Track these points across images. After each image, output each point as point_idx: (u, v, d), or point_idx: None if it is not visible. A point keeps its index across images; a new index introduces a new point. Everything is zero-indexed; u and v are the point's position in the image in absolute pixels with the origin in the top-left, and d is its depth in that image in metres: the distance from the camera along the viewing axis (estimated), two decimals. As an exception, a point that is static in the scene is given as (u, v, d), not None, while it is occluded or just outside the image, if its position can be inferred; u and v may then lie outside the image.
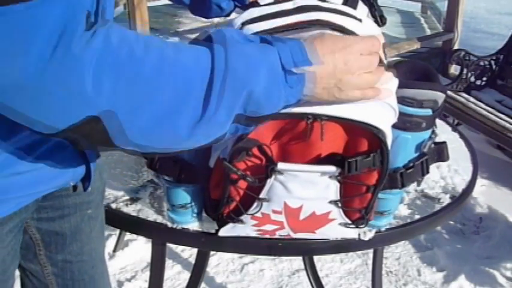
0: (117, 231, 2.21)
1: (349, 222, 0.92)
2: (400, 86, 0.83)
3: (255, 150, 0.83)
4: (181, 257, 2.20)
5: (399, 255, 2.31)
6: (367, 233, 0.99)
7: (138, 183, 1.17)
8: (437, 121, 1.55)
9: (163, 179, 0.99)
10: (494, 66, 3.36)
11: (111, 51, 0.55)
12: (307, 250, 1.07)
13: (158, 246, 1.26)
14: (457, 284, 2.12)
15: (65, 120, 0.56)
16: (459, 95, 3.29)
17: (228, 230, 0.95)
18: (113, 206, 1.08)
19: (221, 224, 0.95)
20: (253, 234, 0.95)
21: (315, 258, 1.86)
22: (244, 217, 0.91)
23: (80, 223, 0.92)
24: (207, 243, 1.02)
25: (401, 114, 0.86)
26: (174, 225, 1.01)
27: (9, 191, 0.72)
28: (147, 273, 1.38)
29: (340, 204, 0.88)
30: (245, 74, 0.61)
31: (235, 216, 0.91)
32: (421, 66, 0.96)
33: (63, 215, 0.88)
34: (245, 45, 0.65)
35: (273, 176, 0.84)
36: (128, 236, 2.22)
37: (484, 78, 3.39)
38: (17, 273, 0.89)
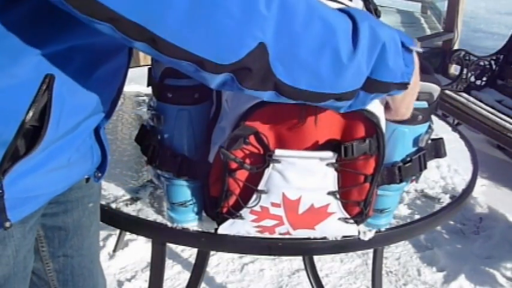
0: (117, 231, 2.21)
1: (348, 216, 0.92)
2: None
3: (252, 139, 0.84)
4: (181, 257, 2.20)
5: (399, 255, 2.31)
6: (367, 233, 0.99)
7: (138, 183, 1.17)
8: (438, 121, 1.57)
9: (163, 177, 0.99)
10: (494, 66, 3.36)
11: None
12: (307, 250, 1.07)
13: (158, 246, 1.26)
14: (457, 284, 2.12)
15: (241, 49, 0.57)
16: (459, 95, 3.29)
17: (227, 227, 0.95)
18: (113, 206, 1.08)
19: (220, 221, 0.95)
20: (253, 231, 0.95)
21: (315, 258, 1.86)
22: (243, 211, 0.91)
23: (81, 217, 0.92)
24: (207, 243, 1.02)
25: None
26: (174, 225, 1.01)
27: (41, 188, 0.73)
28: (147, 273, 1.38)
29: (338, 196, 0.89)
30: (379, 30, 0.66)
31: (234, 211, 0.91)
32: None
33: (66, 210, 0.89)
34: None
35: (271, 165, 0.85)
36: (128, 236, 2.22)
37: (484, 78, 3.39)
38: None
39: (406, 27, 5.66)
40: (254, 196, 0.89)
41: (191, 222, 1.01)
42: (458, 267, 2.21)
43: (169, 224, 1.01)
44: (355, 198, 0.91)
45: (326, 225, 0.93)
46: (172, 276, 2.09)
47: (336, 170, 0.87)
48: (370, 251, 1.68)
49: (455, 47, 4.45)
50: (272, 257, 2.18)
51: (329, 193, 0.89)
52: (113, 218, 1.07)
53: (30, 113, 0.63)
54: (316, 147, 0.86)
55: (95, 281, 1.02)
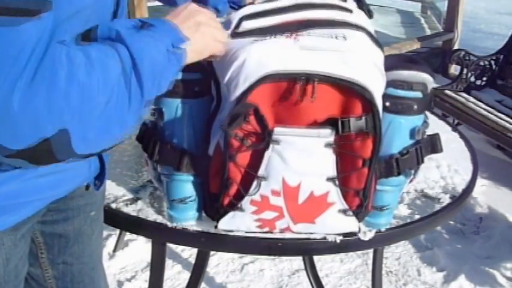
0: (117, 231, 2.21)
1: (348, 208, 0.93)
2: (389, 68, 0.91)
3: (252, 119, 0.86)
4: (181, 257, 2.20)
5: (399, 255, 2.30)
6: (367, 233, 0.99)
7: (138, 183, 1.17)
8: (438, 121, 1.57)
9: (163, 174, 0.99)
10: (494, 66, 3.36)
11: (76, 69, 0.59)
12: (307, 250, 1.07)
13: (158, 246, 1.26)
14: (457, 284, 2.12)
15: (35, 135, 0.58)
16: (459, 95, 3.29)
17: (227, 222, 0.95)
18: (113, 206, 1.07)
19: (220, 217, 0.95)
20: (253, 226, 0.95)
21: (315, 258, 1.86)
22: (244, 202, 0.91)
23: (83, 225, 0.92)
24: (207, 243, 1.02)
25: (393, 97, 0.93)
26: (174, 225, 1.01)
27: (31, 194, 0.73)
28: (147, 273, 1.38)
29: (337, 182, 0.90)
30: (157, 56, 0.68)
31: (235, 202, 0.92)
32: (407, 57, 1.02)
33: (67, 218, 0.89)
34: (141, 32, 0.70)
35: (271, 147, 0.86)
36: (128, 236, 2.22)
37: (484, 78, 3.39)
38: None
39: (406, 27, 5.66)
40: (254, 183, 0.90)
41: (190, 221, 1.01)
42: (458, 267, 2.21)
43: (169, 224, 1.01)
44: (354, 186, 0.91)
45: (326, 219, 0.93)
46: (172, 276, 2.09)
47: (334, 151, 0.88)
48: (370, 251, 1.68)
49: (455, 47, 4.45)
50: (272, 257, 2.17)
51: (328, 179, 0.89)
52: (113, 218, 1.07)
53: None
54: (315, 125, 0.88)
55: (97, 287, 1.01)
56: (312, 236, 0.97)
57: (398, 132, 0.96)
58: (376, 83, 0.86)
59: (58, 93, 0.56)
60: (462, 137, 1.49)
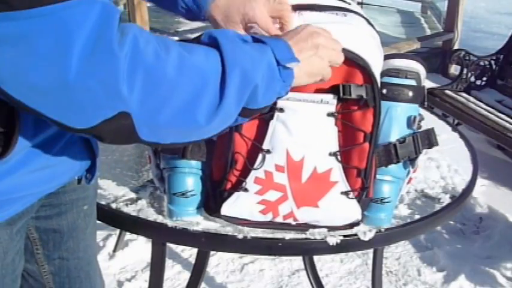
0: (117, 231, 2.21)
1: (350, 189, 0.95)
2: (385, 57, 0.99)
3: None
4: (181, 257, 2.20)
5: (399, 255, 2.31)
6: (367, 233, 0.99)
7: (138, 183, 1.17)
8: (438, 121, 1.57)
9: (166, 168, 0.99)
10: (494, 66, 3.36)
11: (141, 51, 0.58)
12: (307, 250, 1.07)
13: (158, 246, 1.26)
14: (457, 284, 2.12)
15: (97, 116, 0.58)
16: (459, 95, 3.29)
17: (230, 205, 0.95)
18: (113, 206, 1.08)
19: (223, 201, 0.95)
20: (256, 210, 0.95)
21: (315, 258, 1.86)
22: (248, 179, 0.93)
23: (76, 219, 0.92)
24: (207, 243, 1.02)
25: (389, 85, 1.01)
26: (174, 224, 1.01)
27: (23, 189, 0.73)
28: (147, 273, 1.38)
29: (339, 158, 0.93)
30: (251, 71, 0.68)
31: (240, 179, 0.93)
32: (403, 54, 1.08)
33: (61, 212, 0.89)
34: (245, 45, 0.71)
35: (275, 116, 0.90)
36: (128, 236, 2.22)
37: (484, 78, 3.39)
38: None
39: (406, 27, 5.67)
40: (259, 157, 0.92)
41: (190, 216, 1.01)
42: (458, 267, 2.21)
43: (169, 224, 1.01)
44: (356, 164, 0.94)
45: (329, 202, 0.95)
46: (172, 276, 2.09)
47: (336, 123, 0.92)
48: (370, 251, 1.68)
49: (455, 47, 4.45)
50: (272, 257, 2.18)
51: (330, 154, 0.93)
52: (113, 218, 1.07)
53: None
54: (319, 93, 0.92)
55: (93, 282, 1.02)
56: (312, 236, 0.98)
57: (395, 121, 1.01)
58: (374, 57, 0.92)
59: (114, 74, 0.55)
60: (462, 137, 1.49)
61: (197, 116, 0.65)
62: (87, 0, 0.53)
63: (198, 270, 1.51)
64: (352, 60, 0.89)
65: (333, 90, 0.91)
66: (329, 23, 0.88)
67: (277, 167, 0.93)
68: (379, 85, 0.93)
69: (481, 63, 3.37)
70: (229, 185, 0.95)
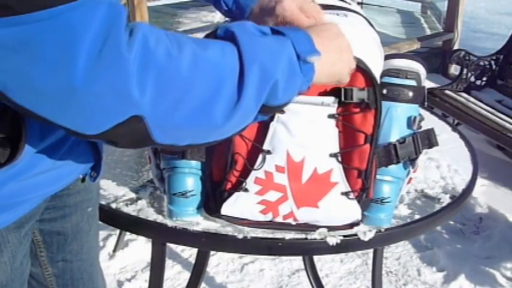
0: (117, 231, 2.21)
1: (350, 190, 0.94)
2: (385, 58, 0.99)
3: None
4: (181, 257, 2.20)
5: (399, 255, 2.31)
6: (367, 233, 0.99)
7: (138, 183, 1.17)
8: (438, 121, 1.57)
9: (166, 168, 0.99)
10: (494, 66, 3.36)
11: (151, 51, 0.55)
12: (307, 250, 1.07)
13: (158, 246, 1.26)
14: (457, 284, 2.12)
15: (108, 121, 0.56)
16: (459, 95, 3.29)
17: (230, 205, 0.95)
18: (113, 206, 1.07)
19: (223, 201, 0.95)
20: (256, 210, 0.95)
21: (315, 258, 1.86)
22: (248, 180, 0.92)
23: (80, 222, 0.92)
24: (207, 243, 1.02)
25: (389, 85, 1.01)
26: (174, 224, 1.01)
27: (29, 192, 0.72)
28: (147, 273, 1.38)
29: (340, 159, 0.93)
30: (271, 66, 0.64)
31: (240, 179, 0.93)
32: (403, 55, 1.08)
33: (65, 215, 0.89)
34: (264, 38, 0.67)
35: (276, 117, 0.90)
36: (128, 236, 2.22)
37: (484, 78, 3.39)
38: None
39: (406, 27, 5.67)
40: (260, 157, 0.92)
41: (190, 216, 1.01)
42: (458, 267, 2.21)
43: (169, 224, 1.01)
44: (357, 165, 0.94)
45: (329, 202, 0.94)
46: (172, 276, 2.09)
47: (337, 124, 0.92)
48: (370, 251, 1.68)
49: (455, 47, 4.45)
50: (272, 257, 2.17)
51: (331, 155, 0.93)
52: (113, 218, 1.07)
53: None
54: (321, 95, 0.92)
55: (95, 284, 1.02)
56: (312, 236, 0.97)
57: (395, 121, 1.02)
58: (375, 59, 0.91)
59: (124, 77, 0.53)
60: (462, 137, 1.49)
61: (214, 116, 0.62)
62: (92, 1, 0.51)
63: (198, 270, 1.51)
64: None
65: (334, 92, 0.91)
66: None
67: (278, 167, 0.93)
68: (379, 85, 0.93)
69: (481, 63, 3.37)
70: (229, 185, 0.95)
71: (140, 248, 2.20)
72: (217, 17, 5.09)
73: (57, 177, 0.77)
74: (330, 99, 0.91)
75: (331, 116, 0.92)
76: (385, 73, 1.01)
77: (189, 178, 0.99)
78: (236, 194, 0.94)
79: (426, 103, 1.06)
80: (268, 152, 0.92)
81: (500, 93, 3.29)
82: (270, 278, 2.13)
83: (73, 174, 0.83)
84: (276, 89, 0.65)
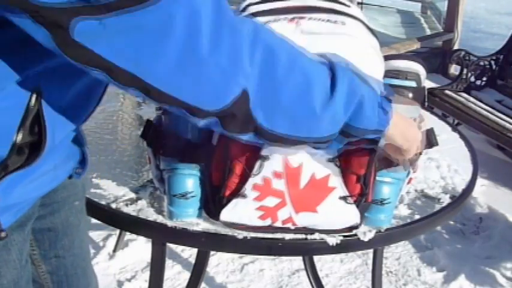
0: (117, 231, 2.21)
1: (349, 194, 0.94)
2: (385, 58, 0.98)
3: None
4: (181, 257, 2.20)
5: (399, 255, 2.31)
6: (367, 233, 0.99)
7: (138, 183, 1.17)
8: (438, 121, 1.57)
9: (166, 169, 0.99)
10: (494, 66, 3.37)
11: (261, 29, 0.64)
12: (307, 250, 1.07)
13: (158, 246, 1.26)
14: (457, 284, 2.12)
15: (227, 94, 0.63)
16: (459, 95, 3.29)
17: (229, 211, 0.95)
18: (113, 206, 1.07)
19: (222, 207, 0.95)
20: (255, 216, 0.95)
21: (315, 258, 1.86)
22: (247, 186, 0.92)
23: (69, 216, 0.93)
24: (207, 243, 1.02)
25: (389, 86, 0.97)
26: (174, 224, 1.01)
27: (33, 192, 0.75)
28: (147, 273, 1.38)
29: (338, 164, 0.92)
30: (358, 85, 0.74)
31: (238, 185, 0.93)
32: (402, 55, 1.09)
33: (53, 211, 0.90)
34: (350, 72, 0.75)
35: None
36: (128, 236, 2.22)
37: (484, 78, 3.39)
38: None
39: (406, 27, 5.66)
40: (257, 163, 0.91)
41: (190, 217, 1.01)
42: (458, 267, 2.21)
43: (169, 224, 1.01)
44: (355, 170, 0.93)
45: (328, 207, 0.94)
46: (172, 276, 2.09)
47: None
48: (370, 251, 1.68)
49: (455, 47, 4.45)
50: (272, 257, 2.17)
51: (329, 160, 0.92)
52: (113, 218, 1.07)
53: (20, 135, 0.64)
54: None
55: (89, 279, 1.02)
56: (312, 236, 0.98)
57: None
58: (375, 69, 0.90)
59: (239, 47, 0.60)
60: (462, 137, 1.49)
61: (313, 101, 0.68)
62: None
63: (198, 270, 1.51)
64: None
65: None
66: (328, 34, 0.87)
67: (275, 173, 0.92)
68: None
69: (481, 63, 3.37)
70: (228, 192, 0.94)
71: (140, 248, 2.20)
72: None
73: (54, 177, 0.79)
74: None
75: None
76: (385, 74, 0.99)
77: (189, 179, 0.99)
78: (234, 201, 0.94)
79: (426, 103, 1.05)
80: (266, 158, 0.91)
81: (500, 93, 3.29)
82: (270, 278, 2.13)
83: (66, 173, 0.85)
84: (361, 107, 0.73)
